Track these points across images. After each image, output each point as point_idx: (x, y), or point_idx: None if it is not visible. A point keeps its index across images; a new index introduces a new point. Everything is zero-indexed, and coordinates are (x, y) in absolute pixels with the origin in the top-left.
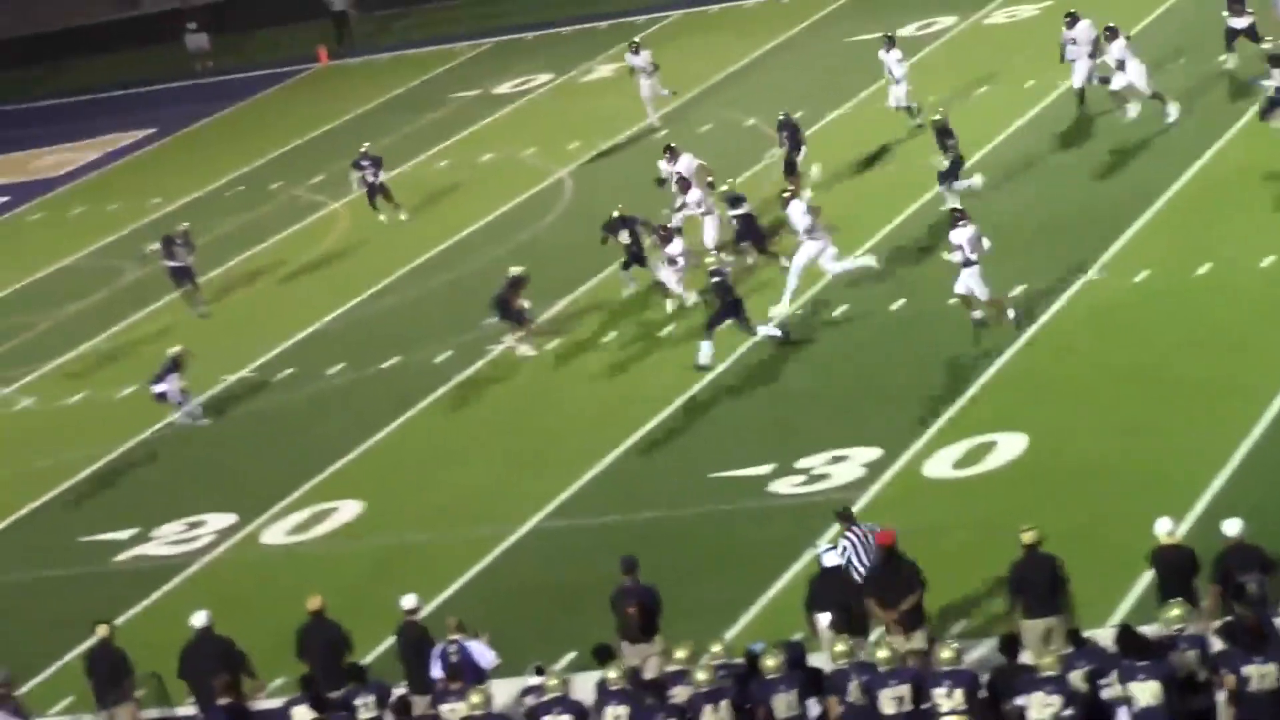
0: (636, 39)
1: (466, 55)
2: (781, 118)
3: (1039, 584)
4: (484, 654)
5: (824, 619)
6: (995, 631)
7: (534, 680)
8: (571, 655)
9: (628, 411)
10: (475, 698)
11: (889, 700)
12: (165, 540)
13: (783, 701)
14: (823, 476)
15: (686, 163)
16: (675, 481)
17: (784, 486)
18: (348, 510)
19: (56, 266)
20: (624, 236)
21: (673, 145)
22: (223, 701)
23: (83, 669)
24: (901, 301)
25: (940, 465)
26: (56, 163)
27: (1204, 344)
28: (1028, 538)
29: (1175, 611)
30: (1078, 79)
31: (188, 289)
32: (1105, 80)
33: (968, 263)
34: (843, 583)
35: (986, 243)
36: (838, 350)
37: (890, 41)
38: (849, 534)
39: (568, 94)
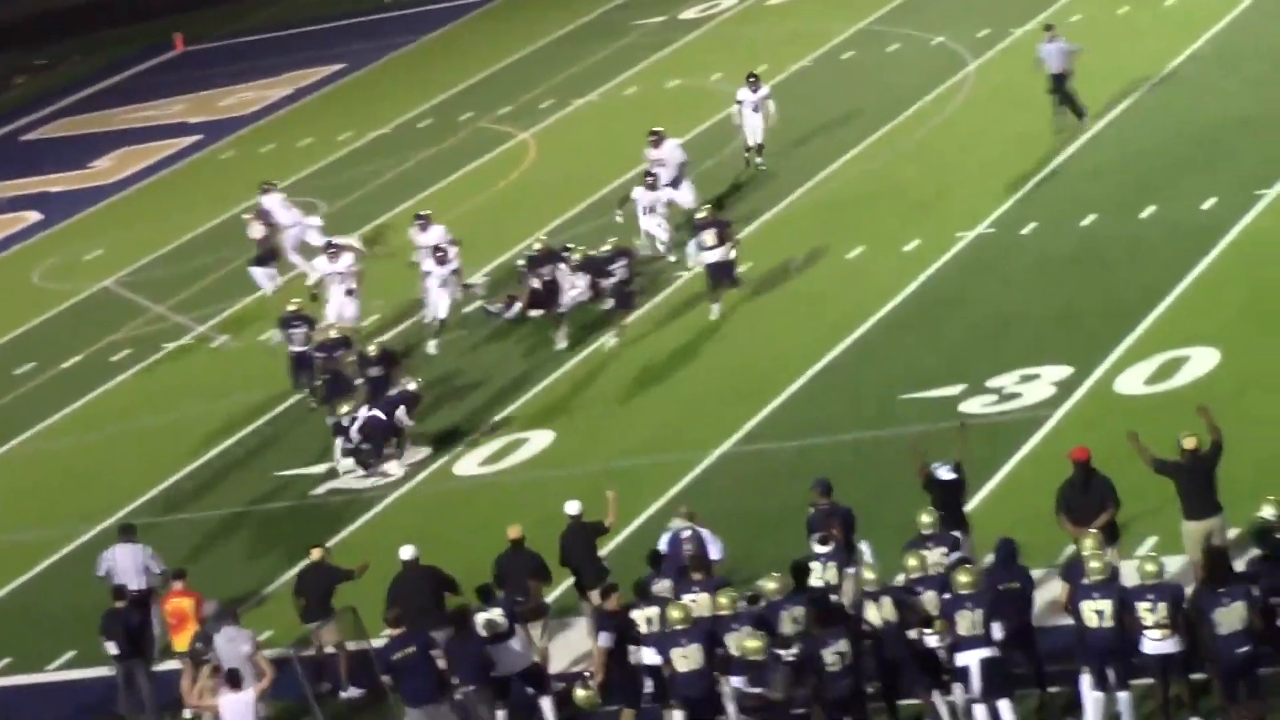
0: None
1: None
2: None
3: (1198, 487)
4: (714, 544)
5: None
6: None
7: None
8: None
9: (815, 336)
10: (723, 599)
11: (1091, 613)
12: (357, 474)
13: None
14: (1014, 395)
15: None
16: (866, 404)
17: (975, 406)
18: (539, 441)
19: (249, 203)
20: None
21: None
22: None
23: (293, 589)
24: (1092, 217)
25: (1132, 381)
26: (247, 100)
27: None
28: (1189, 443)
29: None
30: None
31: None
32: None
33: None
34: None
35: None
36: (1026, 269)
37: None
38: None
39: (754, 17)
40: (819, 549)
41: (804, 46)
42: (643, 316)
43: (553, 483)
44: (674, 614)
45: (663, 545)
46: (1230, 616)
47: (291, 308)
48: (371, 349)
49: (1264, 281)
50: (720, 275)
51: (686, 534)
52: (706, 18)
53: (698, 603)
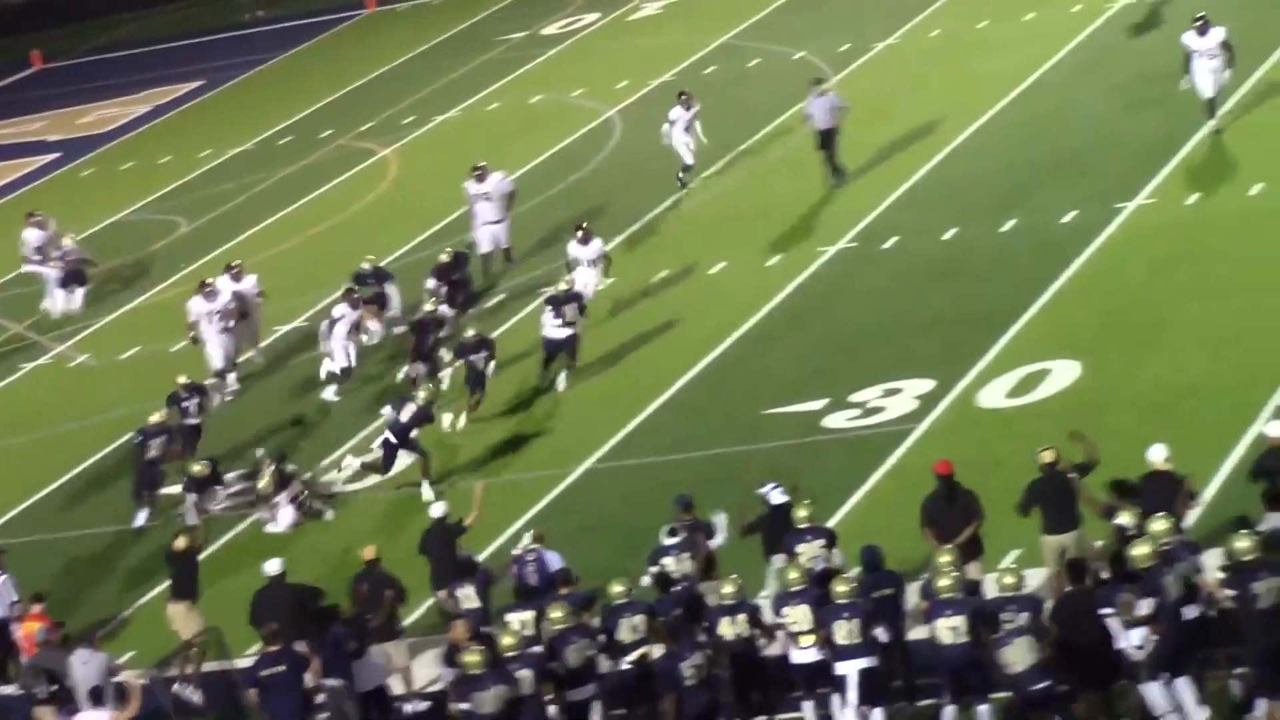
0: None
1: None
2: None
3: (1056, 501)
4: (558, 566)
5: (778, 559)
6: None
7: None
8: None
9: (679, 352)
10: (557, 613)
11: (945, 630)
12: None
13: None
14: (877, 409)
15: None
16: (731, 419)
17: (839, 420)
18: (404, 457)
19: (109, 221)
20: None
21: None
22: None
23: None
24: (954, 230)
25: (994, 395)
26: (106, 118)
27: (1255, 266)
28: (1047, 456)
29: (1161, 525)
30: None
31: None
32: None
33: None
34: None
35: None
36: (888, 283)
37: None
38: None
39: (615, 33)
40: (667, 541)
41: (666, 62)
42: (509, 332)
43: (418, 501)
44: (504, 640)
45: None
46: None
47: (182, 380)
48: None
49: (1124, 294)
50: (565, 349)
51: (530, 558)
52: (569, 33)
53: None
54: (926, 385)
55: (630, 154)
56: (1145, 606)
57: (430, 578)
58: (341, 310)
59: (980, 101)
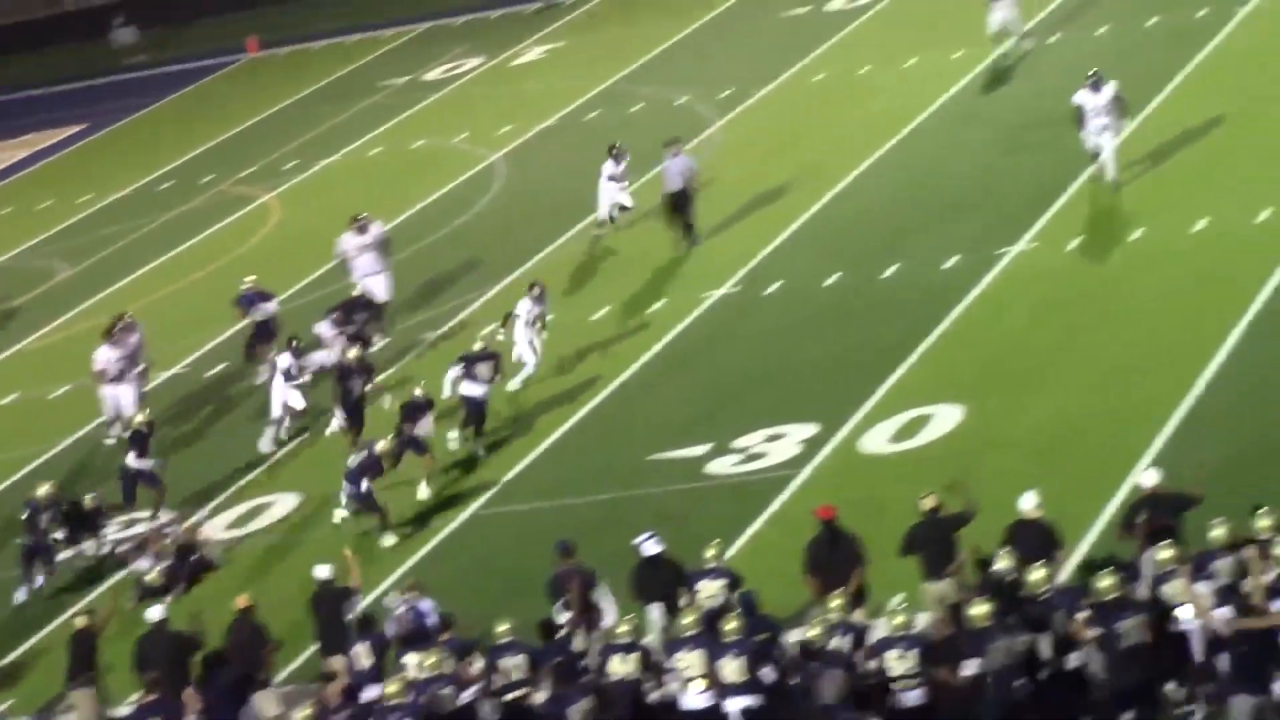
0: None
1: (395, 42)
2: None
3: (936, 548)
4: (434, 615)
5: (654, 609)
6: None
7: None
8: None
9: (563, 397)
10: (431, 659)
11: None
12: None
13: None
14: (760, 455)
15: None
16: (615, 465)
17: (722, 466)
18: (285, 503)
19: None
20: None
21: None
22: None
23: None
24: (836, 276)
25: (877, 440)
26: None
27: (1136, 310)
28: (927, 503)
29: (1040, 574)
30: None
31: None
32: None
33: None
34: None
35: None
36: (771, 328)
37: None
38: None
39: (497, 78)
40: (561, 618)
41: (548, 107)
42: (396, 374)
43: (301, 546)
44: (388, 689)
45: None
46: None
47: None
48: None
49: (1005, 339)
50: (477, 413)
51: (400, 610)
52: (451, 78)
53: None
54: (810, 430)
55: (514, 199)
56: (971, 667)
57: (317, 638)
58: (286, 360)
59: (863, 147)
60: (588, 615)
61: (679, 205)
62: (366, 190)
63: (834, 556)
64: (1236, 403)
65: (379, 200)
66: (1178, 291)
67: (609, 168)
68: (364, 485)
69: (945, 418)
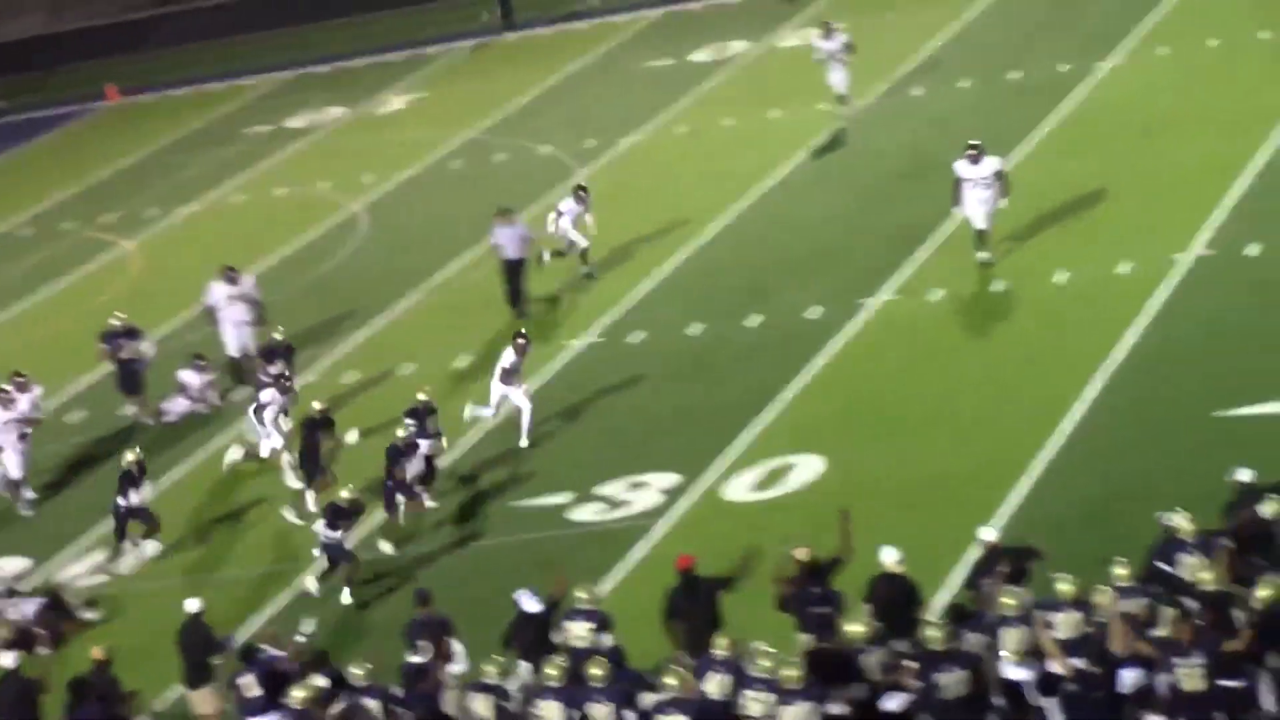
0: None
1: (259, 90)
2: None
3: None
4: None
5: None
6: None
7: None
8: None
9: None
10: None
11: None
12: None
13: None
14: (623, 503)
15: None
16: (479, 511)
17: (585, 514)
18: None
19: None
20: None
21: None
22: None
23: None
24: (699, 326)
25: (740, 488)
26: None
27: (998, 361)
28: (801, 554)
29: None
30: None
31: None
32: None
33: None
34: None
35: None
36: (634, 377)
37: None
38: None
39: (361, 127)
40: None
41: (412, 156)
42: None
43: (165, 592)
44: None
45: None
46: None
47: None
48: None
49: (867, 389)
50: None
51: (260, 658)
52: (315, 127)
53: None
54: (672, 479)
55: (376, 249)
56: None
57: (183, 672)
58: (270, 395)
59: (726, 198)
60: (440, 661)
61: (513, 273)
62: (228, 238)
63: (694, 606)
64: (1095, 453)
65: (241, 248)
66: (1038, 343)
67: (569, 206)
68: (337, 533)
69: (807, 467)
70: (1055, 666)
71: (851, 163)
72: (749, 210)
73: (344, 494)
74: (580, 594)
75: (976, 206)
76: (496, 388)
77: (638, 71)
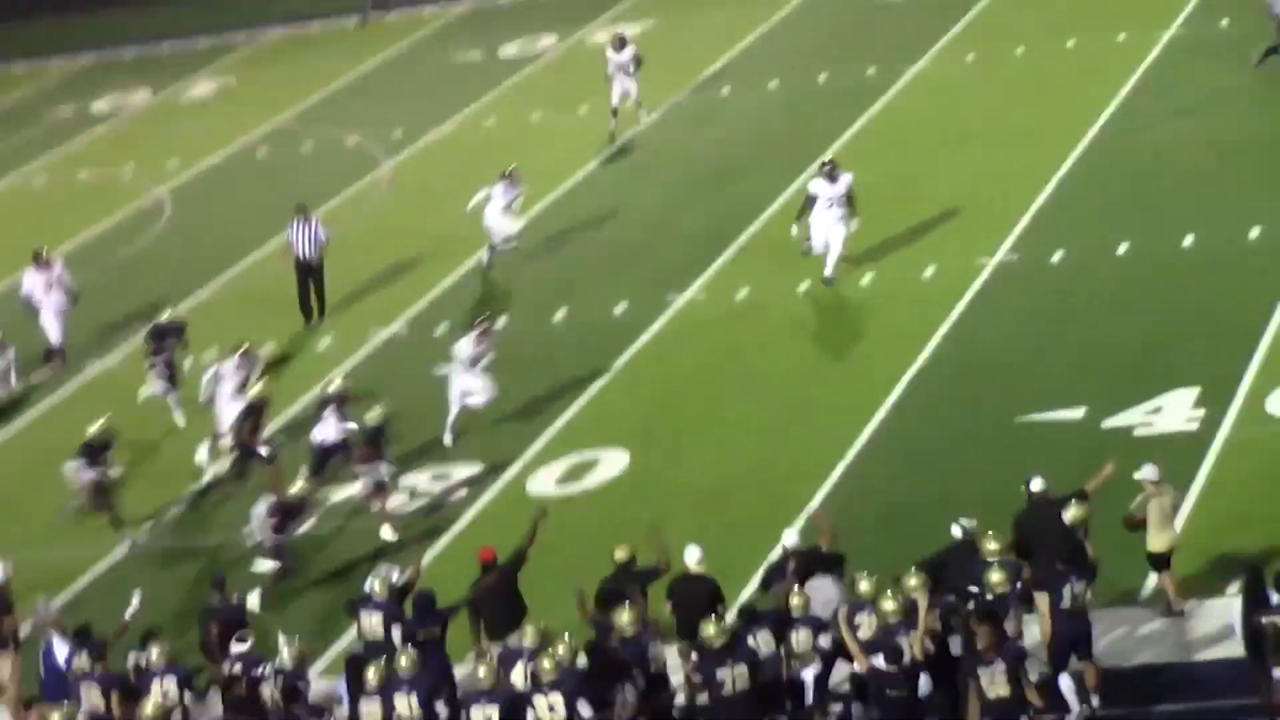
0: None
1: (62, 73)
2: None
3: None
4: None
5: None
6: None
7: None
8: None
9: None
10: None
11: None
12: None
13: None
14: (426, 494)
15: None
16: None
17: (392, 504)
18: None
19: None
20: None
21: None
22: None
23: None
24: (502, 320)
25: (544, 482)
26: None
27: (804, 362)
28: (620, 555)
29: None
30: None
31: None
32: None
33: None
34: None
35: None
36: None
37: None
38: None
39: (166, 112)
40: (236, 649)
41: (216, 144)
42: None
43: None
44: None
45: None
46: None
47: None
48: None
49: (672, 386)
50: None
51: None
52: (118, 110)
53: None
54: (474, 469)
55: (179, 234)
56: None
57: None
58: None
59: (533, 193)
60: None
61: (310, 275)
62: (28, 221)
63: (497, 599)
64: (898, 455)
65: (41, 231)
66: (844, 343)
67: (500, 190)
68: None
69: (611, 462)
70: (857, 666)
71: (659, 161)
72: (555, 206)
73: (293, 490)
74: (376, 587)
75: (832, 225)
76: (459, 381)
77: (447, 64)
